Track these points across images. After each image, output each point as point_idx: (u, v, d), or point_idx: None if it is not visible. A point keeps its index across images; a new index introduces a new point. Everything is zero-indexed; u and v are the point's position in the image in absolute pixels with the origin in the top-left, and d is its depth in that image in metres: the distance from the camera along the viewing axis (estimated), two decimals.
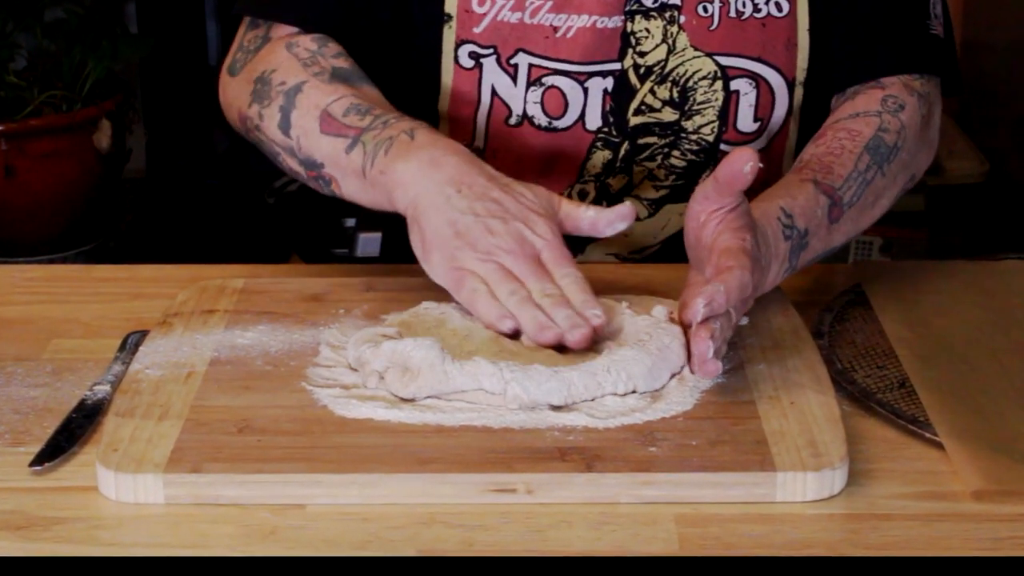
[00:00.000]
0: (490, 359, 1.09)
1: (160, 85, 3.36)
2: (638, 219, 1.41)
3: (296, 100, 1.30)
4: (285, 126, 1.30)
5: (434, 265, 1.19)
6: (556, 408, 1.08)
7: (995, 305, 1.28)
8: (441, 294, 1.20)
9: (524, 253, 1.17)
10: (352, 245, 1.69)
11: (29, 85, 2.91)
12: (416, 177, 1.21)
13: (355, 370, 1.13)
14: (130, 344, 1.21)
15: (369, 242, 1.67)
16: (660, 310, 1.20)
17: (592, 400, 1.09)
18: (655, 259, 1.46)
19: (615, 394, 1.09)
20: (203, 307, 1.25)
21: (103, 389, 1.14)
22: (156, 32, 3.21)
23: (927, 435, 1.08)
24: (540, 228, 1.18)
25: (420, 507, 1.00)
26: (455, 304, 1.20)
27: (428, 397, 1.09)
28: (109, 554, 0.96)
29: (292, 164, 1.32)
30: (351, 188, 1.27)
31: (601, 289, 1.21)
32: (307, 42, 1.35)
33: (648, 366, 1.11)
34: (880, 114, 1.33)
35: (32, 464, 1.04)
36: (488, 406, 1.07)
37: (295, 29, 1.37)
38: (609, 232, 1.20)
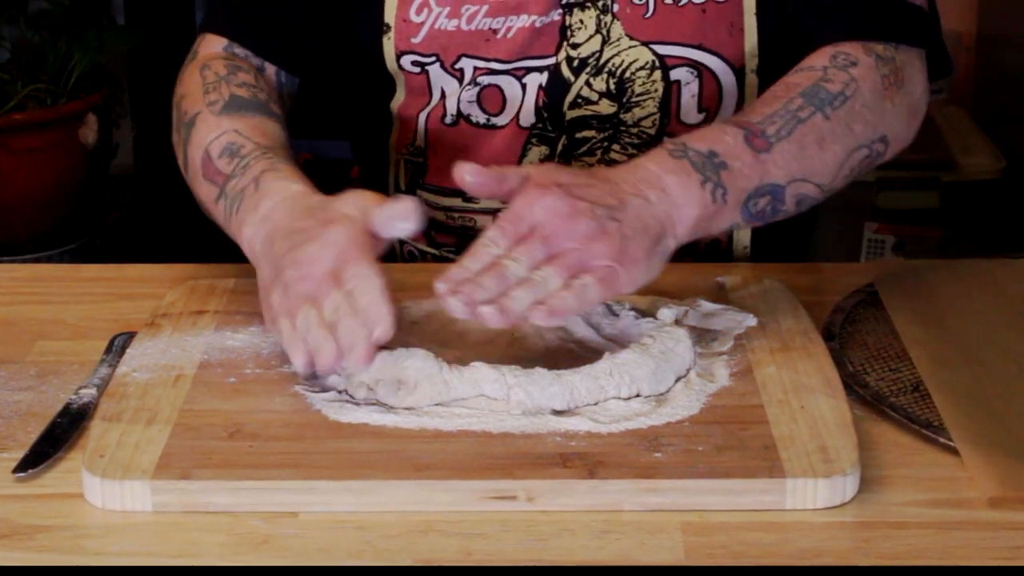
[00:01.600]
0: (491, 364, 1.09)
1: (148, 78, 3.36)
2: None
3: (190, 135, 1.30)
4: (184, 161, 1.30)
5: (268, 325, 1.14)
6: (558, 413, 1.08)
7: (1012, 305, 1.28)
8: (425, 293, 1.21)
9: (316, 272, 1.10)
10: None
11: (12, 78, 2.91)
12: (252, 243, 1.18)
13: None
14: (117, 346, 1.21)
15: None
16: (666, 312, 1.19)
17: (595, 404, 1.08)
18: None
19: (619, 398, 1.09)
20: (192, 308, 1.25)
21: (89, 393, 1.14)
22: (144, 23, 3.21)
23: (942, 440, 1.07)
24: (330, 237, 1.11)
25: (417, 515, 0.99)
26: (437, 303, 1.20)
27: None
28: (95, 563, 0.96)
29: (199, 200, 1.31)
30: (229, 236, 1.25)
31: None
32: (219, 66, 1.34)
33: (651, 369, 1.11)
34: (825, 68, 1.28)
35: (15, 471, 1.04)
36: (489, 411, 1.07)
37: (219, 44, 1.38)
38: (394, 233, 1.13)
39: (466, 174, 1.13)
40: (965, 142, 2.85)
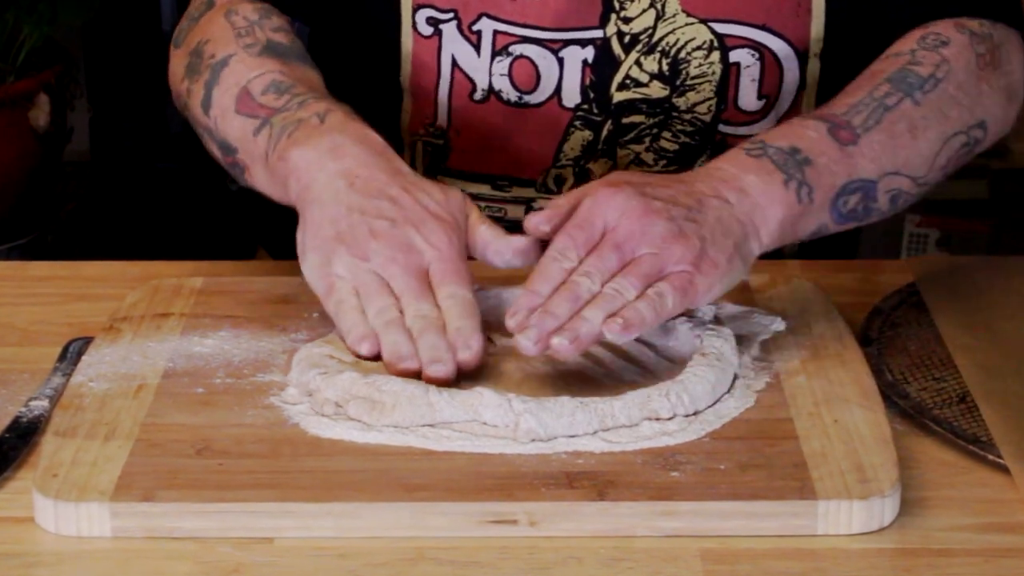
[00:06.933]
0: (494, 390, 1.08)
1: (106, 55, 3.36)
2: None
3: (221, 75, 1.30)
4: (207, 104, 1.30)
5: (308, 267, 1.17)
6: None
7: None
8: None
9: (408, 263, 1.14)
10: None
11: None
12: (310, 165, 1.19)
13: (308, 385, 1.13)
14: (71, 353, 1.22)
15: None
16: (707, 309, 1.18)
17: (631, 426, 1.08)
18: None
19: (659, 418, 1.08)
20: (156, 310, 1.25)
21: (40, 405, 1.14)
22: None
23: (991, 457, 1.08)
24: (434, 236, 1.15)
25: (406, 541, 1.00)
26: None
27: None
28: None
29: (212, 148, 1.31)
30: (259, 178, 1.26)
31: None
32: (248, 11, 1.35)
33: (712, 383, 1.10)
34: (913, 52, 1.30)
35: None
36: (484, 436, 1.06)
37: None
38: (499, 263, 1.18)
39: (541, 225, 1.15)
40: (1017, 125, 2.85)
